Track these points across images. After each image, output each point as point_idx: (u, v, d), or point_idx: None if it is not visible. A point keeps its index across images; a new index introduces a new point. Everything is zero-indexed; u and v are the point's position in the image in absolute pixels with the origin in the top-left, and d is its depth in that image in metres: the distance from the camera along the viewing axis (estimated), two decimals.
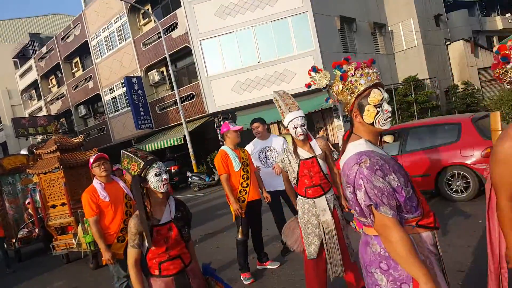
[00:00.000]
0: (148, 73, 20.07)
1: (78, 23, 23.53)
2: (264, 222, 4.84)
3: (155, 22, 19.11)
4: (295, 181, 3.28)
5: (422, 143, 6.27)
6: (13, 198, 9.71)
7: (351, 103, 1.85)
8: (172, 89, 19.47)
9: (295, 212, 4.79)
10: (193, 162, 17.04)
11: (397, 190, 1.65)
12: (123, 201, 3.87)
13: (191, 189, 16.17)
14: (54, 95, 28.36)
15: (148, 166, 2.24)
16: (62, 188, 6.99)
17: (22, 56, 31.70)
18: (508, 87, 1.81)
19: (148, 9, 19.41)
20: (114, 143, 22.71)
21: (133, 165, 2.28)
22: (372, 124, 1.79)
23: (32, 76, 30.51)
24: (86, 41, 23.08)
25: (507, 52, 1.90)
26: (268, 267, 4.74)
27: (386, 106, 1.81)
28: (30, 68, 30.56)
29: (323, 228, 3.17)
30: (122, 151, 2.37)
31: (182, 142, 17.12)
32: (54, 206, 7.19)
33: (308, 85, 2.20)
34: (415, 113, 17.98)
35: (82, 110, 25.61)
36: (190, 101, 17.99)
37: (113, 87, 22.37)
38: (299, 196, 3.31)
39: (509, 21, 30.62)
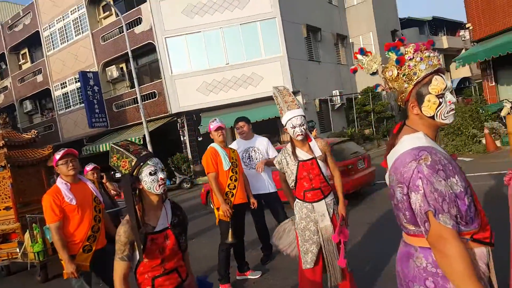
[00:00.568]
0: (106, 68, 18.94)
1: (29, 11, 21.78)
2: None
3: (116, 16, 18.08)
4: (293, 184, 3.08)
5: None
6: None
7: (408, 92, 1.58)
8: (132, 87, 18.56)
9: (278, 217, 4.56)
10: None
11: (459, 196, 1.41)
12: (91, 205, 3.32)
13: None
14: None
15: (141, 164, 1.89)
16: (7, 190, 6.14)
17: None
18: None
19: (110, 2, 18.37)
20: (62, 142, 21.13)
21: (124, 162, 1.92)
22: (433, 117, 1.53)
23: None
24: (38, 31, 21.40)
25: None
26: (249, 277, 4.39)
27: (449, 97, 1.54)
28: None
29: (321, 234, 2.98)
30: (111, 145, 2.01)
31: (142, 142, 16.19)
32: None
33: (354, 70, 1.87)
34: (373, 122, 18.56)
35: (28, 106, 23.66)
36: (152, 99, 17.17)
37: (65, 82, 20.88)
38: (297, 200, 3.12)
39: (463, 39, 32.89)
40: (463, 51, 30.67)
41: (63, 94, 21.22)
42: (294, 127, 2.93)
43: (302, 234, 3.03)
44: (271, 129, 16.95)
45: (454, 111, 1.55)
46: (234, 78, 15.98)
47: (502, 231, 2.14)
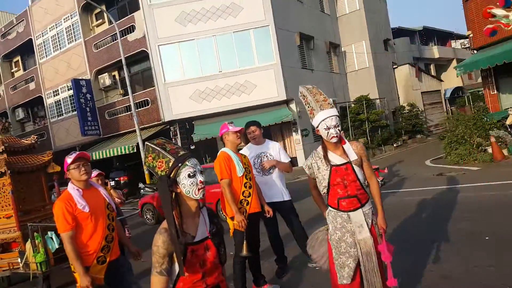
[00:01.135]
0: (99, 76, 18.97)
1: (22, 19, 21.76)
2: None
3: (109, 24, 18.21)
4: (325, 191, 2.82)
5: (211, 179, 8.59)
6: None
7: None
8: (125, 95, 18.62)
9: (293, 226, 4.39)
10: (146, 172, 16.21)
11: None
12: (104, 212, 3.11)
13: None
14: None
15: (179, 165, 1.73)
16: (8, 197, 6.16)
17: None
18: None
19: (103, 9, 18.47)
20: (54, 150, 20.98)
21: (160, 162, 1.76)
22: None
23: None
24: (30, 39, 21.39)
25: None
26: None
27: None
28: None
29: (360, 247, 2.70)
30: (146, 143, 1.88)
31: (135, 150, 16.26)
32: None
33: (492, 31, 1.74)
34: (367, 130, 18.74)
35: (20, 113, 23.53)
36: (145, 107, 17.23)
37: (58, 90, 20.84)
38: (330, 208, 2.85)
39: (462, 46, 33.63)
40: (454, 61, 31.47)
41: (55, 102, 21.17)
42: (329, 129, 2.68)
43: (337, 246, 2.76)
44: (265, 137, 17.12)
45: None
46: (227, 86, 16.14)
47: None
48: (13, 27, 22.56)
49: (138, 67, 18.12)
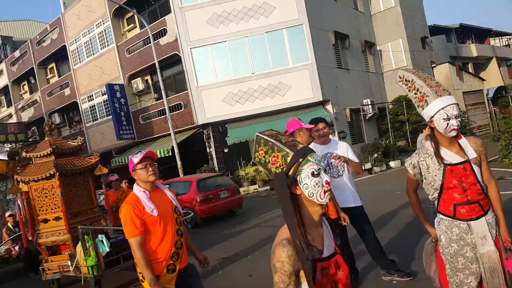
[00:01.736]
0: (132, 81, 19.18)
1: (56, 26, 22.36)
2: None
3: (140, 28, 18.40)
4: (435, 195, 2.40)
5: (179, 191, 10.00)
6: None
7: None
8: (158, 99, 18.74)
9: (365, 235, 4.05)
10: (181, 175, 16.15)
11: None
12: (172, 217, 2.90)
13: None
14: (26, 102, 26.69)
15: (301, 160, 1.42)
16: (57, 199, 6.09)
17: None
18: None
19: (135, 13, 18.69)
20: (90, 154, 21.38)
21: (275, 156, 1.46)
22: None
23: (2, 81, 28.67)
24: (64, 45, 21.93)
25: None
26: None
27: None
28: (0, 72, 28.74)
29: (482, 263, 2.31)
30: (257, 134, 1.59)
31: (170, 154, 16.26)
32: (45, 221, 6.25)
33: None
34: (408, 132, 17.99)
35: (57, 119, 24.11)
36: (178, 111, 17.23)
37: (92, 95, 21.24)
38: (441, 216, 2.43)
39: (505, 44, 32.24)
40: (494, 59, 30.13)
41: (90, 107, 21.57)
42: (449, 119, 2.27)
43: (452, 261, 2.38)
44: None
45: None
46: (260, 87, 15.92)
47: None
48: (47, 34, 23.21)
49: (170, 71, 18.17)
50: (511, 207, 6.27)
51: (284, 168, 1.44)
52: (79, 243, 5.84)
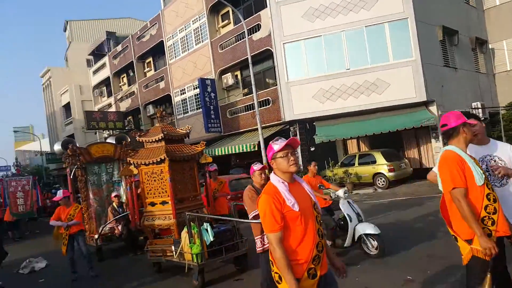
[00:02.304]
0: (222, 76, 19.57)
1: (155, 22, 23.76)
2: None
3: (234, 24, 18.64)
4: None
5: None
6: (97, 189, 9.18)
7: None
8: (246, 94, 18.87)
9: None
10: (266, 172, 15.99)
11: None
12: (313, 214, 2.54)
13: None
14: (124, 93, 28.92)
15: None
16: (165, 184, 6.14)
17: (97, 53, 32.87)
18: None
19: (228, 11, 19.02)
20: (197, 141, 22.27)
21: None
22: None
23: (105, 73, 31.47)
24: (162, 41, 23.19)
25: None
26: None
27: None
28: (103, 65, 31.58)
29: None
30: None
31: (256, 149, 16.20)
32: (153, 204, 6.36)
33: None
34: None
35: (151, 110, 25.70)
36: (265, 107, 17.12)
37: (184, 89, 22.15)
38: None
39: None
40: None
41: (181, 100, 22.55)
42: None
43: None
44: (393, 143, 15.61)
45: None
46: (355, 84, 15.09)
47: None
48: (147, 30, 24.77)
49: (260, 66, 18.13)
50: None
51: None
52: (184, 229, 5.81)
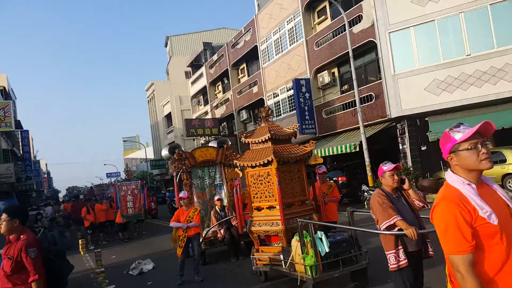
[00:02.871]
0: (318, 75, 18.71)
1: (249, 28, 23.95)
2: None
3: (332, 19, 17.68)
4: None
5: None
6: (201, 193, 9.06)
7: None
8: (343, 92, 17.73)
9: None
10: (370, 174, 14.67)
11: None
12: None
13: (363, 205, 13.78)
14: (219, 100, 29.87)
15: None
16: (272, 188, 5.56)
17: (195, 64, 34.66)
18: None
19: (325, 6, 18.15)
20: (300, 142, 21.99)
21: None
22: None
23: (202, 83, 33.01)
24: (256, 46, 23.25)
25: None
26: None
27: None
28: (200, 75, 33.16)
29: None
30: None
31: (357, 149, 14.97)
32: (259, 209, 5.83)
33: None
34: None
35: (244, 115, 26.04)
36: (367, 103, 15.76)
37: (277, 92, 21.83)
38: None
39: None
40: None
41: (274, 103, 22.27)
42: None
43: None
44: None
45: None
46: (477, 72, 12.97)
47: None
48: (241, 37, 25.12)
49: (361, 60, 16.83)
50: None
51: None
52: (295, 237, 5.14)
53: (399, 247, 3.49)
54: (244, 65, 26.61)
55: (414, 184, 14.12)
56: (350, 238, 5.15)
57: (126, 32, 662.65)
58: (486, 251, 1.72)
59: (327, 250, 4.84)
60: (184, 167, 8.75)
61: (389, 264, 3.54)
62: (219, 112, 29.84)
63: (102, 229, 13.63)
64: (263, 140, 5.68)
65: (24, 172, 30.17)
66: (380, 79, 15.22)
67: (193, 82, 35.43)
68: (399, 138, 15.20)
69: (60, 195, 68.41)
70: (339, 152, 15.80)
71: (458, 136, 1.87)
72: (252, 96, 24.54)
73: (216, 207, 8.53)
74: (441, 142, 1.98)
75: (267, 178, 5.62)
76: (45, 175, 71.01)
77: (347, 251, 5.09)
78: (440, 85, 13.57)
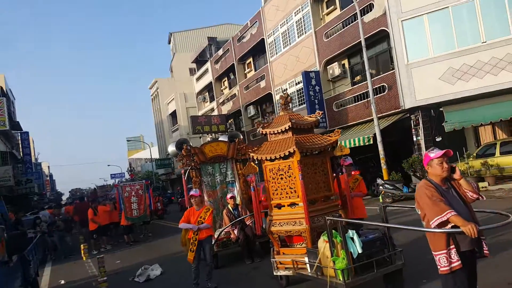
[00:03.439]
0: (327, 67, 18.21)
1: (256, 21, 23.44)
2: None
3: (341, 9, 17.14)
4: None
5: None
6: (212, 191, 8.61)
7: None
8: (354, 83, 17.24)
9: None
10: (384, 167, 14.19)
11: None
12: None
13: (378, 199, 13.30)
14: (226, 96, 29.41)
15: None
16: (293, 183, 5.12)
17: (200, 59, 34.19)
18: None
19: None
20: (329, 130, 21.42)
21: None
22: None
23: (207, 79, 32.54)
24: (262, 39, 22.76)
25: None
26: None
27: None
28: (206, 71, 32.69)
29: None
30: None
31: (371, 142, 14.49)
32: (279, 207, 5.39)
33: None
34: None
35: (251, 111, 25.60)
36: (379, 95, 15.25)
37: (285, 86, 21.34)
38: None
39: None
40: None
41: None
42: None
43: None
44: None
45: None
46: (493, 59, 12.46)
47: None
48: (247, 30, 24.61)
49: (372, 51, 16.31)
50: None
51: None
52: (322, 238, 4.70)
53: (451, 247, 3.06)
54: (251, 59, 26.11)
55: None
56: (384, 236, 4.70)
57: (127, 29, 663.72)
58: None
59: (360, 251, 4.39)
60: (193, 164, 8.28)
61: (438, 267, 3.11)
62: (225, 109, 29.39)
63: (106, 232, 12.89)
64: (283, 130, 5.23)
65: (25, 175, 29.80)
66: (393, 69, 14.71)
67: (198, 79, 34.99)
68: (413, 130, 14.70)
69: (64, 198, 68.27)
70: (352, 145, 15.32)
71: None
72: (259, 91, 24.07)
73: (229, 205, 8.09)
74: None
75: (288, 172, 5.17)
76: (48, 178, 70.85)
77: (380, 251, 4.64)
78: (455, 73, 13.05)
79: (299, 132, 5.29)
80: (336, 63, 17.65)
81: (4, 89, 27.83)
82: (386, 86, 14.96)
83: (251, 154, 5.42)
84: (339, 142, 5.38)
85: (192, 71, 38.94)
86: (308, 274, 4.90)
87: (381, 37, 15.34)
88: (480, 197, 3.29)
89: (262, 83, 23.56)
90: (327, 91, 18.41)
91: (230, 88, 29.40)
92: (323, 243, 4.63)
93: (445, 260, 3.06)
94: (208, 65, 31.93)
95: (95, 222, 12.22)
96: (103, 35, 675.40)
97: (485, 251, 3.19)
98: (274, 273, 5.54)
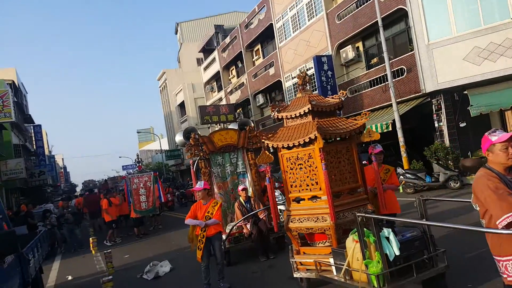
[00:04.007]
0: (340, 50, 17.30)
1: (263, 5, 22.52)
2: None
3: None
4: None
5: None
6: (222, 183, 7.97)
7: None
8: (369, 67, 16.33)
9: None
10: (404, 155, 13.38)
11: None
12: None
13: (398, 190, 12.49)
14: (234, 85, 28.65)
15: None
16: (315, 174, 4.43)
17: (207, 48, 33.38)
18: None
19: None
20: (356, 113, 20.72)
21: None
22: None
23: (215, 68, 31.77)
24: (271, 24, 21.86)
25: None
26: None
27: None
28: (213, 60, 31.90)
29: None
30: None
31: (390, 128, 13.66)
32: (298, 200, 4.71)
33: None
34: None
35: (260, 99, 24.82)
36: (397, 78, 14.35)
37: (296, 72, 20.48)
38: None
39: None
40: None
41: (293, 85, 20.98)
42: None
43: None
44: None
45: None
46: None
47: None
48: (255, 16, 23.70)
49: (389, 32, 15.34)
50: None
51: None
52: (351, 237, 4.01)
53: None
54: (259, 46, 25.24)
55: (452, 164, 12.79)
56: (423, 234, 4.00)
57: (134, 22, 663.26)
58: None
59: (397, 253, 3.70)
60: (201, 154, 7.66)
61: (504, 275, 2.50)
62: (233, 98, 28.66)
63: (116, 224, 12.57)
64: (302, 113, 4.52)
65: (38, 167, 29.74)
66: (412, 50, 13.78)
67: (206, 68, 34.24)
68: (435, 115, 13.80)
69: (78, 189, 68.95)
70: None
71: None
72: (268, 79, 23.25)
73: (241, 198, 7.46)
74: None
75: (308, 161, 4.48)
76: (62, 170, 71.39)
77: (420, 253, 3.95)
78: (481, 53, 12.09)
79: (320, 116, 4.58)
80: (349, 46, 16.73)
81: (16, 83, 27.56)
82: (405, 68, 14.05)
83: (266, 142, 4.72)
84: (367, 126, 4.66)
85: (199, 61, 38.18)
86: (334, 277, 4.23)
87: (398, 17, 14.41)
88: None
89: (271, 70, 22.73)
90: (340, 76, 17.55)
91: (238, 76, 28.61)
92: (352, 243, 3.94)
93: None
94: (215, 53, 31.13)
95: (109, 215, 12.07)
96: (111, 27, 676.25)
97: None
98: (294, 275, 4.89)
